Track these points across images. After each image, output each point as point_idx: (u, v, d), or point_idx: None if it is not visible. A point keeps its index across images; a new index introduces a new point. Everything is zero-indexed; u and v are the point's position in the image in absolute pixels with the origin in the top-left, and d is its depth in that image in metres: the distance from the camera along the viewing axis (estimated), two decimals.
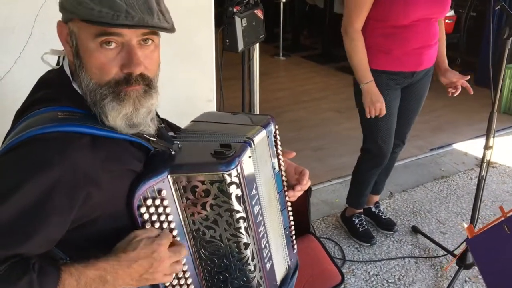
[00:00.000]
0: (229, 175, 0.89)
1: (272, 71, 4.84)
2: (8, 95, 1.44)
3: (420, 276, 2.06)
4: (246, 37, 2.10)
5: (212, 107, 2.17)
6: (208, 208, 0.91)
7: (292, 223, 1.20)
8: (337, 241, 2.26)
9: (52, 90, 0.86)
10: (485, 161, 1.85)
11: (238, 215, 0.92)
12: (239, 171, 0.90)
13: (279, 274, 1.14)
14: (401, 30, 1.83)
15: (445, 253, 2.15)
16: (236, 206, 0.91)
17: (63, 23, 0.83)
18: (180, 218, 0.91)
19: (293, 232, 1.21)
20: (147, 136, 0.89)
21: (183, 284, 0.94)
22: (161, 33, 0.85)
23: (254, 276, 1.00)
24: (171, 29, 0.82)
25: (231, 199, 0.90)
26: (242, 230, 0.94)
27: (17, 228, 0.74)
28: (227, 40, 2.06)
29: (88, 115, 0.83)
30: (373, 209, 2.38)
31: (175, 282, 0.92)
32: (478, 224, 2.07)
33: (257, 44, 2.40)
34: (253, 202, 0.98)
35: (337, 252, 2.19)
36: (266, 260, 1.05)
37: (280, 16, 5.23)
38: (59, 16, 0.84)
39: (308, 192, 1.95)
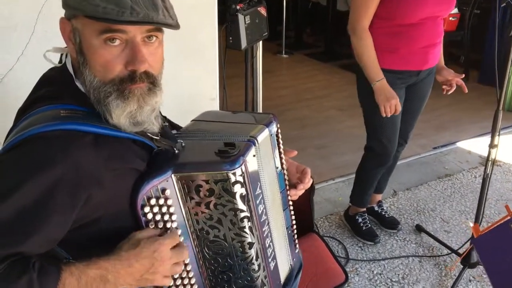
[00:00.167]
0: (234, 174, 0.88)
1: (275, 69, 4.83)
2: (10, 93, 1.43)
3: (424, 275, 2.05)
4: (249, 34, 2.09)
5: (215, 105, 2.16)
6: (212, 208, 0.90)
7: (294, 222, 1.19)
8: (341, 240, 2.25)
9: (54, 88, 0.85)
10: (490, 159, 1.84)
11: (242, 215, 0.92)
12: (243, 170, 0.89)
13: (283, 273, 1.14)
14: (408, 29, 1.81)
15: (449, 252, 2.14)
16: (241, 205, 0.91)
17: (66, 20, 0.82)
18: (184, 217, 0.90)
19: (295, 231, 1.20)
20: (150, 135, 0.88)
21: (187, 284, 0.93)
22: (164, 31, 0.84)
23: (258, 276, 0.99)
24: (175, 26, 0.81)
25: (235, 199, 0.89)
26: (247, 230, 0.93)
27: (17, 227, 0.73)
28: (230, 38, 2.05)
29: (91, 113, 0.82)
30: (376, 208, 2.37)
31: (178, 282, 0.91)
32: (483, 223, 2.06)
33: (260, 42, 2.39)
34: (257, 201, 0.97)
35: (341, 251, 2.19)
36: (270, 260, 1.05)
37: (283, 13, 5.21)
38: (61, 13, 0.83)
39: (311, 191, 1.94)
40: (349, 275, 1.93)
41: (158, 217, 0.86)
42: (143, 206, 0.84)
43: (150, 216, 0.85)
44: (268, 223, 1.03)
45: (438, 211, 2.49)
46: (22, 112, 0.85)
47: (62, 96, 0.83)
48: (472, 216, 2.42)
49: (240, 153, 0.90)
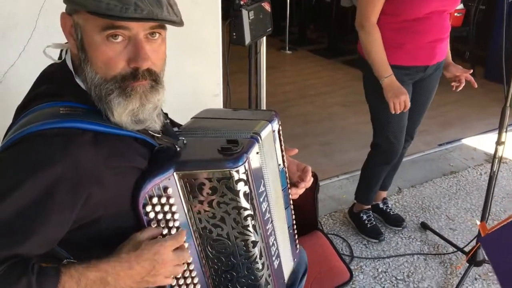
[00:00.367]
0: (237, 172, 0.86)
1: (278, 65, 4.81)
2: (12, 89, 1.42)
3: (430, 273, 2.03)
4: (253, 30, 2.07)
5: (218, 101, 2.15)
6: (215, 206, 0.88)
7: (294, 222, 1.18)
8: (345, 238, 2.24)
9: (54, 84, 0.83)
10: (497, 156, 1.82)
11: (246, 213, 0.90)
12: (247, 167, 0.88)
13: (287, 271, 1.13)
14: (414, 24, 1.79)
15: (455, 250, 2.12)
16: (244, 203, 0.89)
17: (67, 15, 0.81)
18: (186, 216, 0.89)
19: (296, 231, 1.19)
20: (151, 132, 0.87)
21: (190, 283, 0.92)
22: (167, 27, 0.82)
23: (262, 275, 0.98)
24: (180, 23, 0.80)
25: (239, 197, 0.88)
26: (250, 228, 0.92)
27: (17, 227, 0.72)
28: (234, 33, 2.03)
29: (91, 111, 0.81)
30: (381, 205, 2.35)
31: (181, 281, 0.90)
32: (489, 220, 2.03)
33: (264, 38, 2.37)
34: (261, 199, 0.96)
35: (345, 249, 2.17)
36: (274, 258, 1.04)
37: (287, 9, 5.18)
38: (64, 8, 0.82)
39: (315, 188, 1.93)
40: (353, 273, 1.91)
41: (160, 216, 0.85)
42: (145, 205, 0.83)
43: (152, 215, 0.84)
44: (272, 221, 1.02)
45: (443, 209, 2.47)
46: (21, 109, 0.84)
47: (62, 93, 0.81)
48: (478, 214, 2.41)
49: (243, 150, 0.89)
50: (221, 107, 2.21)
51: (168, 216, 0.86)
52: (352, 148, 3.00)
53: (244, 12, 2.00)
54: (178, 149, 0.90)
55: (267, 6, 2.22)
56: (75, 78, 0.83)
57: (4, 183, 0.72)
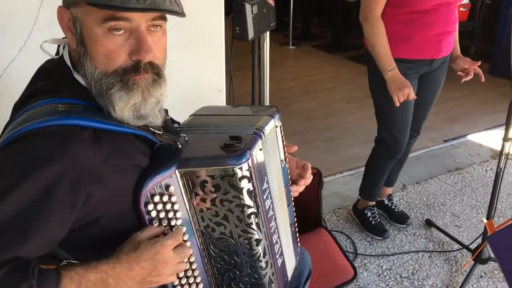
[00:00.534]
0: (240, 169, 0.85)
1: (282, 61, 4.78)
2: (12, 84, 1.41)
3: (435, 270, 2.01)
4: (256, 24, 2.04)
5: (221, 97, 2.13)
6: (218, 204, 0.87)
7: (296, 219, 1.16)
8: (349, 234, 2.22)
9: (52, 81, 0.81)
10: (504, 153, 1.79)
11: (249, 211, 0.89)
12: (250, 164, 0.86)
13: (290, 269, 1.11)
14: (421, 16, 1.76)
15: (460, 247, 2.10)
16: (248, 201, 0.88)
17: (64, 9, 0.79)
18: (188, 214, 0.87)
19: (297, 229, 1.17)
20: (152, 129, 0.85)
21: (192, 283, 0.90)
22: (169, 21, 0.81)
23: (266, 273, 0.96)
24: (182, 13, 0.78)
25: (242, 194, 0.86)
26: (254, 226, 0.90)
27: (16, 229, 0.70)
28: (237, 28, 2.01)
29: (91, 107, 0.79)
30: (386, 202, 2.33)
31: (184, 281, 0.89)
32: (495, 217, 2.01)
33: (268, 33, 2.34)
34: (265, 197, 0.94)
35: (349, 246, 2.15)
36: (277, 256, 1.02)
37: (290, 4, 5.14)
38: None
39: (320, 185, 1.91)
40: (357, 270, 1.89)
41: (162, 215, 0.83)
42: (146, 204, 0.81)
43: (154, 213, 0.83)
44: (275, 218, 1.01)
45: (448, 205, 2.45)
46: (19, 106, 0.82)
47: (61, 89, 0.79)
48: (483, 211, 2.39)
49: (246, 146, 0.87)
50: (224, 103, 2.19)
51: (170, 215, 0.84)
52: (357, 144, 2.98)
53: (247, 7, 1.98)
54: (179, 146, 0.88)
55: (270, 1, 2.19)
56: (74, 74, 0.81)
57: (1, 183, 0.70)
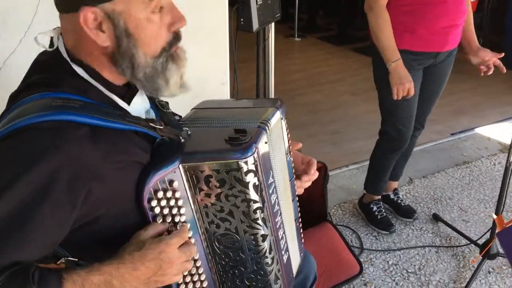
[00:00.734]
0: (246, 162, 0.82)
1: (287, 53, 4.74)
2: (12, 76, 1.38)
3: (442, 266, 1.99)
4: (261, 16, 2.00)
5: (225, 89, 2.10)
6: (223, 199, 0.84)
7: (299, 214, 1.14)
8: (355, 229, 2.19)
9: (49, 74, 0.78)
10: None
11: (255, 205, 0.86)
12: (256, 158, 0.84)
13: (295, 265, 1.09)
14: (428, 6, 1.73)
15: (468, 242, 2.07)
16: (254, 196, 0.85)
17: (88, 9, 0.73)
18: (192, 210, 0.85)
19: (301, 224, 1.15)
20: (153, 124, 0.82)
21: (197, 280, 0.88)
22: None
23: (272, 270, 0.94)
24: None
25: (248, 189, 0.84)
26: (260, 221, 0.88)
27: (12, 233, 0.67)
28: (242, 19, 1.97)
29: (89, 104, 0.76)
30: (392, 196, 2.30)
31: (188, 278, 0.87)
32: (503, 212, 1.98)
33: (273, 24, 2.30)
34: (270, 191, 0.92)
35: (355, 240, 2.13)
36: (283, 252, 1.00)
37: None
38: None
39: (325, 179, 1.89)
40: (363, 265, 1.87)
41: (166, 211, 0.81)
42: (149, 200, 0.79)
43: (157, 210, 0.80)
44: (281, 213, 0.98)
45: (455, 200, 2.41)
46: (13, 99, 0.78)
47: (58, 83, 0.76)
48: (491, 205, 2.35)
49: (252, 140, 0.85)
50: (228, 96, 2.16)
51: (174, 211, 0.82)
52: (362, 137, 2.95)
53: None
54: (182, 140, 0.85)
55: None
56: (73, 65, 0.77)
57: None
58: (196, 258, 0.87)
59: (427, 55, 1.83)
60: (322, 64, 4.48)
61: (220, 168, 0.82)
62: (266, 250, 0.91)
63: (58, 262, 0.76)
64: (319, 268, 1.33)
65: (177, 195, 0.82)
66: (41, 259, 0.72)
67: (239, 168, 0.82)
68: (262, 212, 0.87)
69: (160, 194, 0.80)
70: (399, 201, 2.29)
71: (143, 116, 0.86)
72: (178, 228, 0.82)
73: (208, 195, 0.84)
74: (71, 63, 0.77)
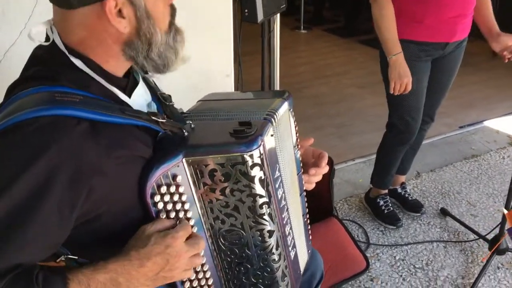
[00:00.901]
0: (251, 156, 0.79)
1: (292, 45, 4.70)
2: (13, 68, 1.35)
3: (450, 261, 1.96)
4: (266, 6, 1.97)
5: (230, 82, 2.06)
6: (228, 194, 0.82)
7: (307, 210, 1.11)
8: (361, 224, 2.17)
9: (47, 67, 0.75)
10: None
11: (261, 200, 0.83)
12: (262, 151, 0.81)
13: (302, 262, 1.07)
14: None
15: (476, 237, 2.04)
16: (260, 190, 0.82)
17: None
18: (197, 206, 0.82)
19: (308, 220, 1.12)
20: (155, 118, 0.79)
21: (202, 278, 0.86)
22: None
23: (279, 266, 0.92)
24: None
25: (254, 183, 0.81)
26: (266, 217, 0.85)
27: (14, 234, 0.65)
28: (246, 10, 1.94)
29: (89, 98, 0.73)
30: (399, 190, 2.27)
31: (193, 276, 0.84)
32: None
33: (278, 16, 2.27)
34: (277, 185, 0.89)
35: (361, 235, 2.10)
36: (290, 248, 0.98)
37: None
38: None
39: (331, 173, 1.86)
40: (369, 261, 1.85)
41: (169, 207, 0.78)
42: (152, 195, 0.76)
43: (160, 205, 0.78)
44: (287, 209, 0.96)
45: (464, 194, 2.38)
46: (10, 92, 0.75)
47: (57, 76, 0.73)
48: (500, 199, 2.32)
49: (257, 132, 0.82)
50: (232, 88, 2.13)
51: (178, 207, 0.80)
52: (369, 130, 2.91)
53: None
54: (185, 133, 0.83)
55: None
56: (71, 58, 0.74)
57: None
58: (201, 254, 0.84)
59: (435, 45, 1.80)
60: (328, 56, 4.44)
61: (224, 161, 0.79)
62: (272, 247, 0.89)
63: (58, 260, 0.74)
64: (325, 264, 1.30)
65: (181, 190, 0.79)
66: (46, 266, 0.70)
67: (244, 162, 0.79)
68: (269, 207, 0.85)
69: (164, 189, 0.77)
70: (407, 195, 2.26)
71: (145, 109, 0.83)
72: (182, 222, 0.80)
73: (212, 190, 0.81)
74: (69, 55, 0.74)
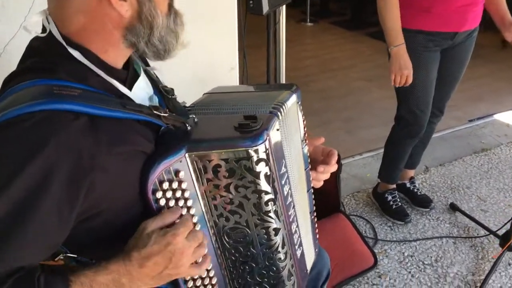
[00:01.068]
0: (256, 151, 0.76)
1: (298, 38, 4.65)
2: (13, 62, 1.33)
3: (459, 257, 1.92)
4: None
5: (234, 75, 2.03)
6: (232, 190, 0.79)
7: (314, 208, 1.08)
8: (369, 219, 2.13)
9: (44, 58, 0.72)
10: None
11: (267, 197, 0.81)
12: (267, 146, 0.78)
13: (309, 261, 1.04)
14: None
15: (487, 233, 2.00)
16: (265, 186, 0.80)
17: None
18: (200, 202, 0.79)
19: (316, 218, 1.09)
20: (157, 112, 0.76)
21: (205, 276, 0.84)
22: None
23: (285, 265, 0.89)
24: None
25: (259, 179, 0.78)
26: (272, 214, 0.83)
27: (13, 235, 0.63)
28: (251, 2, 1.90)
29: (88, 92, 0.70)
30: (408, 185, 2.24)
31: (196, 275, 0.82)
32: None
33: (284, 8, 2.23)
34: (283, 182, 0.86)
35: (369, 231, 2.07)
36: (297, 247, 0.95)
37: None
38: None
39: (338, 169, 1.82)
40: (377, 257, 1.82)
41: (171, 203, 0.76)
42: (154, 191, 0.74)
43: (162, 202, 0.75)
44: (294, 206, 0.93)
45: (474, 189, 2.34)
46: (6, 85, 0.73)
47: (55, 68, 0.70)
48: (511, 194, 2.27)
49: (263, 126, 0.79)
50: (237, 81, 2.10)
51: (181, 203, 0.77)
52: (377, 124, 2.88)
53: None
54: (188, 128, 0.80)
55: None
56: (69, 49, 0.71)
57: None
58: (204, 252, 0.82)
59: (444, 35, 1.76)
60: (334, 49, 4.39)
61: (229, 157, 0.76)
62: (278, 245, 0.86)
63: (56, 259, 0.72)
64: (332, 261, 1.28)
65: (184, 186, 0.77)
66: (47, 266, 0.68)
67: (249, 157, 0.76)
68: (274, 204, 0.82)
69: (166, 185, 0.75)
70: (415, 190, 2.22)
71: (147, 103, 0.80)
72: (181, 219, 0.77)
73: (216, 186, 0.78)
74: (67, 46, 0.72)
